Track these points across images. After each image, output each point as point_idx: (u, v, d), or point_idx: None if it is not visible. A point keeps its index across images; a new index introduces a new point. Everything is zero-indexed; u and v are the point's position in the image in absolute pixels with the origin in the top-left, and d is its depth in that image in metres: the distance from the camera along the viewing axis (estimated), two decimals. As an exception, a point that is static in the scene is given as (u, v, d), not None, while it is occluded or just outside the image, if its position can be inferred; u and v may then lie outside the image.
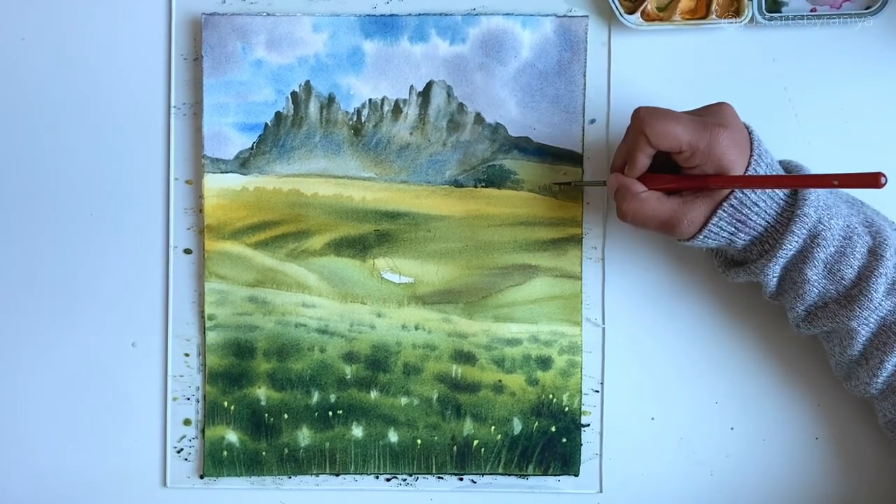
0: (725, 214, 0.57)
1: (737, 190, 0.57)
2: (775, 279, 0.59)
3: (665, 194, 0.59)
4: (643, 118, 0.57)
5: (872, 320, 0.58)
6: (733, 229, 0.58)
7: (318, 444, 0.67)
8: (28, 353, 0.68)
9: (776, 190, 0.57)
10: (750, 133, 0.58)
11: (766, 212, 0.57)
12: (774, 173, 0.58)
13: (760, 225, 0.58)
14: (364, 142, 0.67)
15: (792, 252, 0.57)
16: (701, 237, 0.58)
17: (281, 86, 0.66)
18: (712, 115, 0.58)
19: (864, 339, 0.58)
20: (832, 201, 0.58)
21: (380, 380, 0.67)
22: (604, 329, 0.67)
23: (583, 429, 0.67)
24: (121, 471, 0.68)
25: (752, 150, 0.57)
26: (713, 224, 0.57)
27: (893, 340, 0.57)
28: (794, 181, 0.56)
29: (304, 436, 0.67)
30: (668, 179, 0.59)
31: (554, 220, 0.66)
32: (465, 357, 0.67)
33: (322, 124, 0.67)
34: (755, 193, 0.57)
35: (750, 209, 0.57)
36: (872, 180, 0.52)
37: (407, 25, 0.66)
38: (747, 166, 0.56)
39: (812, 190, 0.57)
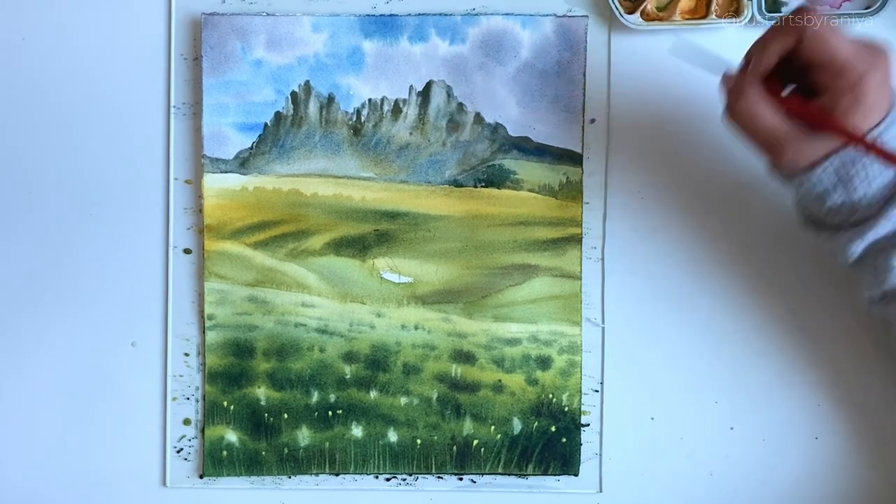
0: (832, 168, 0.53)
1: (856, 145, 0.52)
2: (856, 255, 0.56)
3: (782, 111, 0.53)
4: (812, 19, 0.51)
5: None
6: (833, 184, 0.53)
7: (318, 444, 0.67)
8: (28, 352, 0.68)
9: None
10: (893, 95, 0.53)
11: (871, 182, 0.53)
12: None
13: (859, 193, 0.53)
14: (364, 142, 0.67)
15: (881, 235, 0.54)
16: (797, 178, 0.54)
17: (280, 86, 0.66)
18: (877, 50, 0.52)
19: None
20: None
21: (379, 379, 0.67)
22: (603, 329, 0.67)
23: (582, 429, 0.67)
24: (121, 471, 0.68)
25: (890, 108, 0.52)
26: (819, 168, 0.53)
27: None
28: None
29: (304, 435, 0.67)
30: (790, 99, 0.53)
31: (554, 220, 0.66)
32: (464, 357, 0.67)
33: (322, 124, 0.67)
34: (871, 158, 0.53)
35: (858, 172, 0.53)
36: None
37: (407, 25, 0.66)
38: (879, 123, 0.52)
39: None
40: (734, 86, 0.54)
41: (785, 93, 0.55)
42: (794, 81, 0.54)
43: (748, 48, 0.55)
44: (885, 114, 0.52)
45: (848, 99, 0.51)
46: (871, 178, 0.53)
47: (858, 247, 0.55)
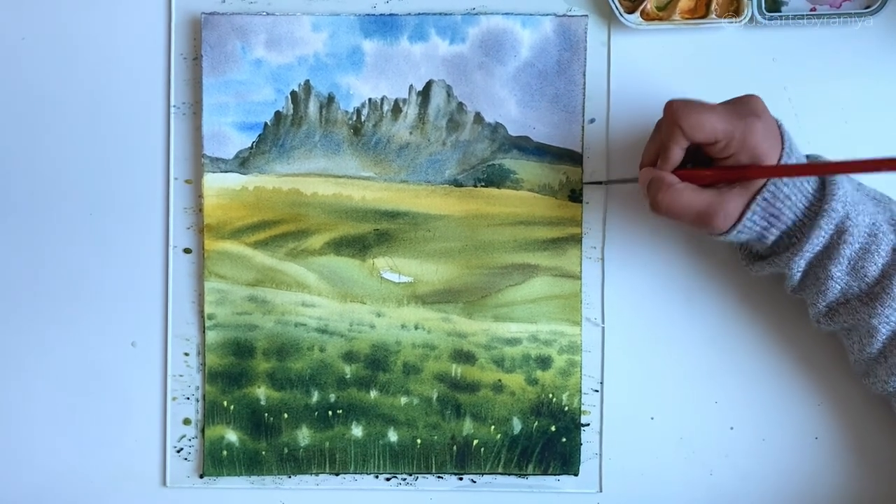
0: (759, 209, 0.57)
1: (771, 182, 0.56)
2: (799, 273, 0.59)
3: (699, 187, 0.58)
4: (677, 111, 0.56)
5: (893, 319, 0.57)
6: (766, 224, 0.57)
7: (318, 444, 0.67)
8: (28, 352, 0.68)
9: (805, 185, 0.57)
10: (779, 125, 0.58)
11: (796, 205, 0.57)
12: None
13: (790, 219, 0.57)
14: (364, 141, 0.67)
15: (818, 247, 0.57)
16: (735, 232, 0.58)
17: (280, 85, 0.66)
18: (745, 105, 0.57)
19: (884, 337, 0.58)
20: (859, 198, 0.58)
21: (379, 379, 0.67)
22: (603, 329, 0.67)
23: (582, 428, 0.67)
24: (121, 471, 0.68)
25: (783, 141, 0.57)
26: (748, 218, 0.57)
27: None
28: (837, 167, 0.55)
29: (304, 435, 0.67)
30: (704, 171, 0.58)
31: (553, 220, 0.66)
32: (464, 357, 0.67)
33: (322, 124, 0.67)
34: (787, 186, 0.56)
35: (783, 203, 0.57)
36: None
37: (406, 25, 0.66)
38: (780, 157, 0.56)
39: (840, 185, 0.56)
40: (651, 183, 0.58)
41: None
42: (690, 158, 0.59)
43: (644, 147, 0.61)
44: (780, 147, 0.57)
45: (746, 156, 0.56)
46: (795, 202, 0.57)
47: (799, 264, 0.58)
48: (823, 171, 0.56)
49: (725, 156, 0.57)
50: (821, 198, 0.57)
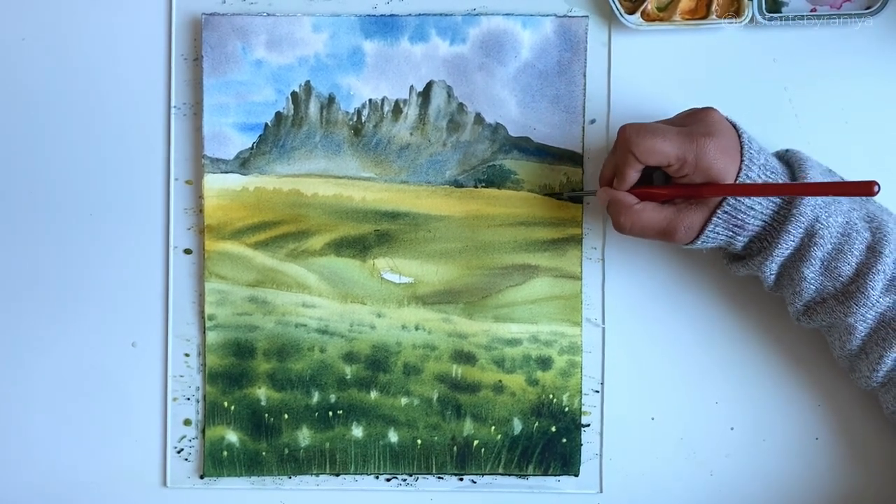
0: (721, 221, 0.57)
1: (729, 196, 0.57)
2: (773, 276, 0.59)
3: (659, 203, 0.59)
4: (629, 137, 0.57)
5: (870, 317, 0.58)
6: (731, 233, 0.58)
7: (319, 445, 0.67)
8: (28, 353, 0.68)
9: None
10: (739, 136, 0.58)
11: (762, 213, 0.57)
12: (769, 174, 0.57)
13: (757, 226, 0.58)
14: (364, 142, 0.67)
15: (789, 251, 0.57)
16: (699, 242, 0.58)
17: (281, 86, 0.66)
18: (698, 123, 0.57)
19: (862, 334, 0.58)
20: (832, 197, 0.58)
21: (380, 380, 0.67)
22: (604, 329, 0.67)
23: (583, 429, 0.67)
24: (121, 471, 0.69)
25: (742, 154, 0.57)
26: (709, 230, 0.58)
27: (893, 336, 0.57)
28: (787, 189, 0.56)
29: (305, 436, 0.67)
30: (660, 190, 0.59)
31: (554, 221, 0.66)
32: (465, 357, 0.67)
33: (322, 124, 0.67)
34: (749, 198, 0.57)
35: (745, 213, 0.57)
36: (866, 188, 0.52)
37: (407, 25, 0.66)
38: (738, 171, 0.56)
39: None
40: (611, 205, 0.60)
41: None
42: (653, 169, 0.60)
43: (602, 164, 0.62)
44: (739, 161, 0.56)
45: (701, 175, 0.57)
46: (760, 210, 0.57)
47: (771, 267, 0.58)
48: (776, 192, 0.56)
49: (680, 176, 0.57)
50: (790, 201, 0.57)
